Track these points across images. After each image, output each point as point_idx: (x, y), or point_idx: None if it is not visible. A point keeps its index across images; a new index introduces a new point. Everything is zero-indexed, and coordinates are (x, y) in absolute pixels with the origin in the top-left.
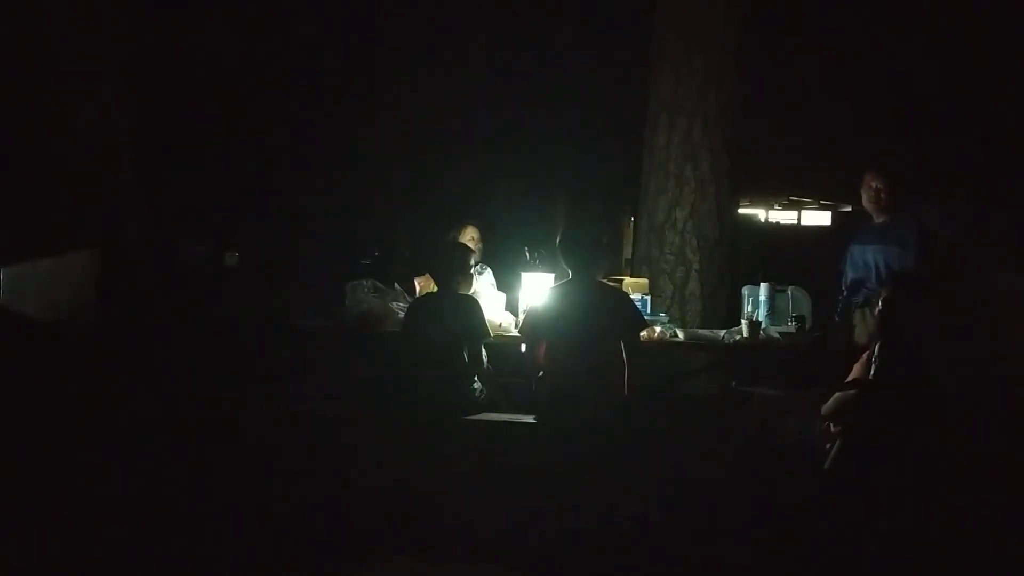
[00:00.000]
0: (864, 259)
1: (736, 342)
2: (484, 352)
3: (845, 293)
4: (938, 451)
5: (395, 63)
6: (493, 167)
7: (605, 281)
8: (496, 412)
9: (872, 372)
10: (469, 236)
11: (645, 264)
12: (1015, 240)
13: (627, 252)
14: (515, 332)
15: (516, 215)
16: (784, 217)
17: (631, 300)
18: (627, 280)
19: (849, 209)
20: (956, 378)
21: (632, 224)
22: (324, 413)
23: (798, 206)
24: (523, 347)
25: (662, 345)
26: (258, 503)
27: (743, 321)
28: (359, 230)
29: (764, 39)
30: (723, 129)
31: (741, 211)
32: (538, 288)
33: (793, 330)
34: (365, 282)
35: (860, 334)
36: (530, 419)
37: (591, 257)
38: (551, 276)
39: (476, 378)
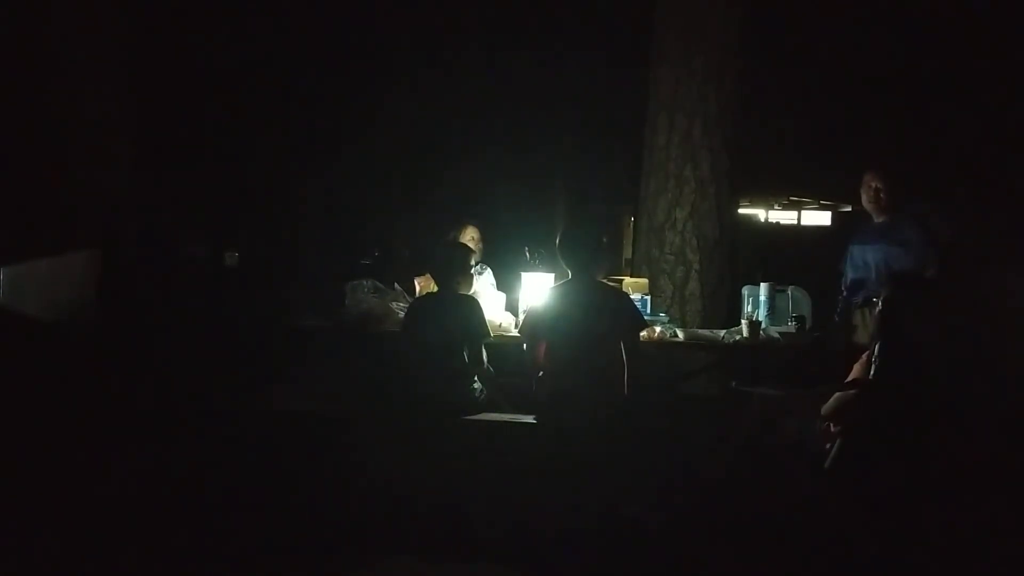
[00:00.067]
0: (864, 259)
1: (736, 342)
2: (484, 352)
3: (845, 293)
4: (938, 451)
5: (395, 63)
6: (493, 167)
7: (605, 281)
8: (496, 412)
9: (872, 372)
10: (469, 236)
11: (645, 264)
12: (1015, 240)
13: (627, 252)
14: (515, 332)
15: (516, 215)
16: (784, 217)
17: (631, 300)
18: (627, 280)
19: (849, 209)
20: (956, 378)
21: (632, 224)
22: (324, 413)
23: (798, 206)
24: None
25: (662, 345)
26: (258, 503)
27: (743, 321)
28: (359, 230)
29: (764, 39)
30: (723, 129)
31: (741, 211)
32: (538, 288)
33: (793, 330)
34: (365, 282)
35: (860, 334)
36: (530, 419)
37: (591, 257)
38: (551, 276)
39: (476, 378)
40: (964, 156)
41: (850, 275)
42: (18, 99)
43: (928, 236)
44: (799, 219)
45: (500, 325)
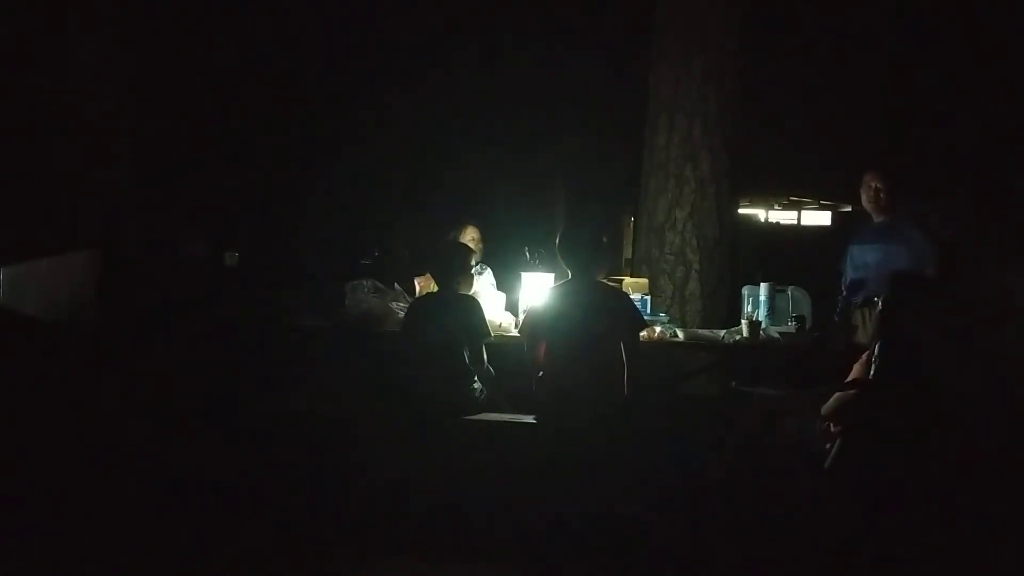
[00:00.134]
0: (864, 259)
1: (736, 342)
2: (484, 352)
3: (845, 293)
4: (938, 451)
5: (395, 63)
6: (493, 167)
7: (605, 281)
8: (496, 412)
9: (872, 372)
10: (469, 236)
11: (645, 264)
12: (1015, 240)
13: (627, 252)
14: (515, 332)
15: (516, 215)
16: (784, 217)
17: (631, 300)
18: (627, 280)
19: (849, 209)
20: (956, 378)
21: (632, 224)
22: (324, 413)
23: (798, 206)
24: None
25: (662, 345)
26: (258, 503)
27: (743, 321)
28: (359, 230)
29: (764, 39)
30: (723, 129)
31: (741, 211)
32: (538, 288)
33: (793, 330)
34: (365, 282)
35: (860, 334)
36: (530, 419)
37: (591, 257)
38: (551, 276)
39: (476, 378)
40: (964, 156)
41: (850, 275)
42: (18, 99)
43: (928, 236)
44: (799, 219)
45: (500, 325)
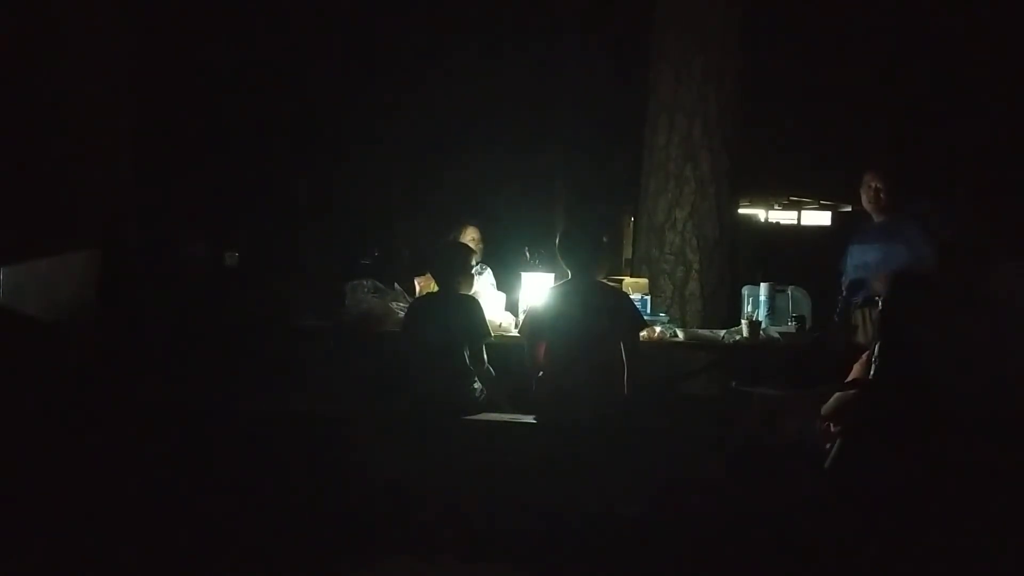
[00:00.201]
0: (864, 259)
1: (736, 342)
2: (484, 352)
3: (845, 293)
4: (938, 451)
5: (395, 63)
6: (493, 167)
7: (605, 281)
8: (496, 412)
9: (872, 372)
10: (470, 236)
11: (645, 264)
12: (1015, 240)
13: (627, 252)
14: (515, 332)
15: (516, 215)
16: (784, 217)
17: (631, 300)
18: (627, 280)
19: (849, 209)
20: (956, 378)
21: (632, 224)
22: (324, 413)
23: (798, 206)
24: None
25: (662, 345)
26: (258, 503)
27: (743, 321)
28: (359, 230)
29: (764, 39)
30: (723, 129)
31: (741, 211)
32: (538, 288)
33: (793, 330)
34: (365, 282)
35: (860, 334)
36: (530, 419)
37: (591, 257)
38: (551, 276)
39: (476, 378)
40: (964, 156)
41: (850, 275)
42: (18, 99)
43: (928, 236)
44: (799, 219)
45: (500, 325)
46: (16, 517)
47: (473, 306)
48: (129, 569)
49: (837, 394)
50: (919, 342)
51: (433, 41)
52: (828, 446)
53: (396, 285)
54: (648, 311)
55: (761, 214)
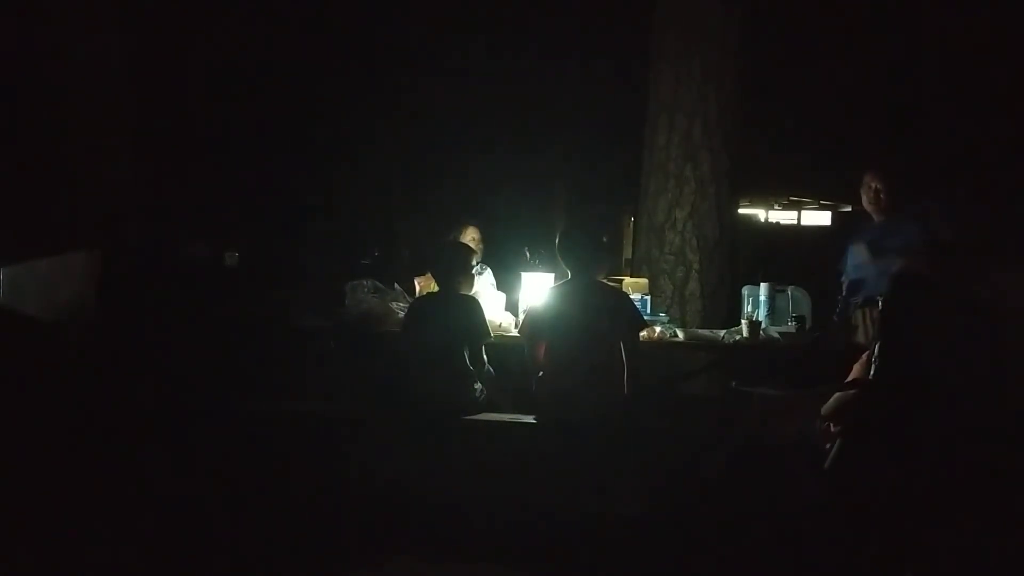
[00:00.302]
0: (864, 259)
1: (736, 342)
2: (484, 352)
3: (845, 293)
4: (938, 451)
5: (396, 63)
6: (493, 167)
7: (605, 281)
8: (496, 412)
9: (872, 372)
10: (470, 236)
11: (645, 264)
12: (1015, 240)
13: (627, 252)
14: (515, 332)
15: (516, 215)
16: (784, 217)
17: (631, 300)
18: (627, 280)
19: (849, 209)
20: (956, 378)
21: (632, 224)
22: (324, 413)
23: (798, 206)
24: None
25: (662, 345)
26: (258, 503)
27: (743, 321)
28: (359, 230)
29: (764, 39)
30: (723, 129)
31: (741, 211)
32: (538, 288)
33: (793, 330)
34: (365, 282)
35: (860, 334)
36: (530, 419)
37: (591, 257)
38: (551, 276)
39: (476, 378)
40: (964, 156)
41: (850, 275)
42: (18, 99)
43: (928, 236)
44: (799, 219)
45: (500, 325)
46: (16, 517)
47: (473, 306)
48: (129, 569)
49: (837, 394)
50: (919, 342)
51: (433, 41)
52: (828, 446)
53: (396, 285)
54: (648, 311)
55: (761, 214)
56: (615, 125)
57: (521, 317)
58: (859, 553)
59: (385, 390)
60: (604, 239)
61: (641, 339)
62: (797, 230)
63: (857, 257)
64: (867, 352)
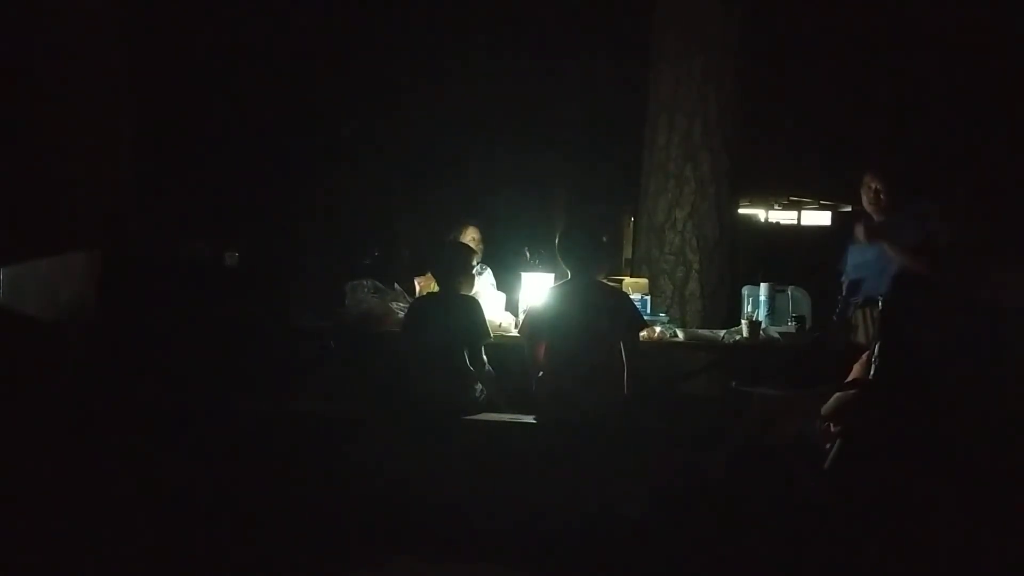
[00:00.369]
0: (863, 259)
1: (736, 342)
2: (484, 352)
3: (845, 293)
4: (938, 451)
5: (396, 63)
6: (493, 167)
7: (605, 281)
8: (496, 412)
9: (872, 372)
10: (470, 236)
11: (645, 264)
12: (1015, 240)
13: (627, 252)
14: (515, 332)
15: (516, 215)
16: (784, 217)
17: (631, 300)
18: (627, 280)
19: (849, 209)
20: (956, 378)
21: (632, 224)
22: (324, 413)
23: (798, 206)
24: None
25: (662, 345)
26: (258, 503)
27: (743, 321)
28: (359, 230)
29: (764, 39)
30: (723, 129)
31: (741, 211)
32: (538, 288)
33: (793, 330)
34: (365, 282)
35: (860, 334)
36: (530, 419)
37: (591, 257)
38: (551, 276)
39: (476, 378)
40: (964, 156)
41: (850, 275)
42: (18, 99)
43: (928, 236)
44: (799, 219)
45: (500, 325)
46: (16, 517)
47: (473, 306)
48: (130, 569)
49: (837, 394)
50: (919, 342)
51: (434, 42)
52: (828, 446)
53: (396, 285)
54: (648, 311)
55: (761, 214)
56: (615, 125)
57: (521, 317)
58: (859, 553)
59: (385, 390)
60: (604, 239)
61: (641, 339)
62: (797, 230)
63: (857, 257)
64: (867, 352)
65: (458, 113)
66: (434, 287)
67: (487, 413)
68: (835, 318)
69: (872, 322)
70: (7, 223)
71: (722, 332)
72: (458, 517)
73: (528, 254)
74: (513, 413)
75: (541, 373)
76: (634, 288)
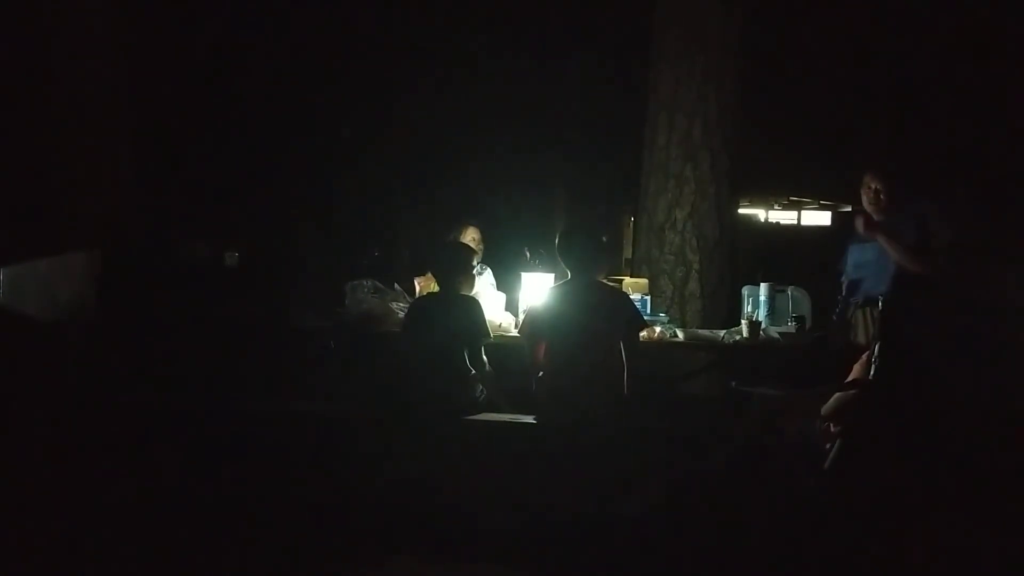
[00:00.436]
0: (863, 259)
1: (736, 342)
2: (484, 352)
3: (845, 293)
4: (938, 451)
5: (396, 63)
6: (494, 167)
7: (605, 281)
8: (496, 412)
9: (872, 372)
10: (470, 236)
11: (645, 264)
12: (1015, 240)
13: (627, 252)
14: (515, 332)
15: (516, 215)
16: (784, 217)
17: (631, 300)
18: (627, 280)
19: (849, 209)
20: (956, 378)
21: (632, 224)
22: (324, 413)
23: (798, 206)
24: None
25: (662, 345)
26: (258, 503)
27: (743, 321)
28: (359, 230)
29: (764, 39)
30: (723, 129)
31: (741, 211)
32: (538, 288)
33: (793, 330)
34: (365, 282)
35: (860, 334)
36: (530, 419)
37: (591, 257)
38: (551, 276)
39: (476, 378)
40: (964, 156)
41: (850, 275)
42: (18, 99)
43: (928, 236)
44: (799, 219)
45: (500, 325)
46: (16, 517)
47: (473, 306)
48: (130, 570)
49: (837, 394)
50: (919, 342)
51: (434, 42)
52: (828, 446)
53: (396, 285)
54: (648, 311)
55: (761, 214)
56: (615, 125)
57: (521, 317)
58: (859, 553)
59: (385, 390)
60: (604, 239)
61: (641, 339)
62: (797, 230)
63: (856, 257)
64: (867, 352)
65: (458, 113)
66: (434, 287)
67: (487, 413)
68: (835, 318)
69: (872, 322)
70: (7, 223)
71: (722, 332)
72: (458, 517)
73: (528, 254)
74: (513, 413)
75: (541, 373)
76: (634, 288)
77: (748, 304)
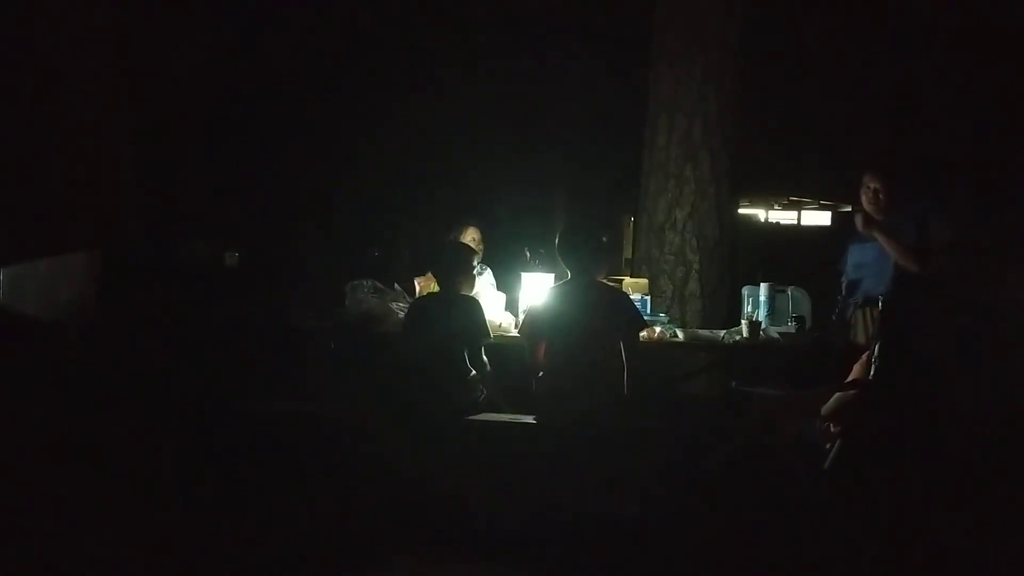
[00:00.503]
0: (863, 259)
1: (736, 342)
2: (483, 352)
3: (844, 293)
4: (938, 451)
5: (396, 63)
6: (493, 168)
7: (605, 281)
8: (496, 412)
9: (872, 372)
10: (470, 236)
11: (645, 264)
12: (1015, 240)
13: (627, 252)
14: (515, 332)
15: (516, 215)
16: (784, 217)
17: (631, 300)
18: (627, 280)
19: (849, 209)
20: (956, 378)
21: (632, 224)
22: (324, 413)
23: (798, 206)
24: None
25: (662, 345)
26: (258, 504)
27: (743, 321)
28: (359, 230)
29: (764, 39)
30: (723, 129)
31: (741, 211)
32: (538, 288)
33: (793, 330)
34: (365, 282)
35: (860, 334)
36: (530, 419)
37: (591, 257)
38: (551, 276)
39: (476, 378)
40: (964, 156)
41: (849, 275)
42: (18, 99)
43: (927, 236)
44: (799, 219)
45: (500, 325)
46: (16, 517)
47: (473, 306)
48: (130, 570)
49: (837, 394)
50: (919, 342)
51: (434, 41)
52: (828, 446)
53: (396, 285)
54: (648, 311)
55: (761, 214)
56: (615, 125)
57: (521, 317)
58: (859, 553)
59: (385, 390)
60: (604, 239)
61: (641, 339)
62: (797, 230)
63: (856, 257)
64: (867, 352)
65: (458, 113)
66: (434, 287)
67: (487, 413)
68: (835, 318)
69: (872, 322)
70: (7, 223)
71: (722, 332)
72: (458, 517)
73: (528, 254)
74: (513, 413)
75: (541, 373)
76: (634, 288)
77: (748, 304)
